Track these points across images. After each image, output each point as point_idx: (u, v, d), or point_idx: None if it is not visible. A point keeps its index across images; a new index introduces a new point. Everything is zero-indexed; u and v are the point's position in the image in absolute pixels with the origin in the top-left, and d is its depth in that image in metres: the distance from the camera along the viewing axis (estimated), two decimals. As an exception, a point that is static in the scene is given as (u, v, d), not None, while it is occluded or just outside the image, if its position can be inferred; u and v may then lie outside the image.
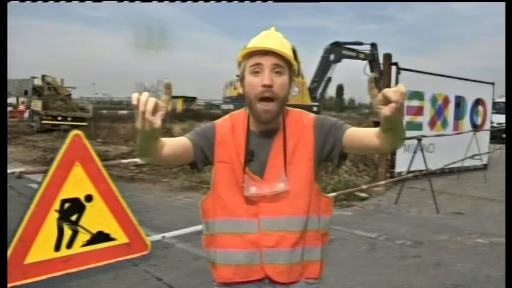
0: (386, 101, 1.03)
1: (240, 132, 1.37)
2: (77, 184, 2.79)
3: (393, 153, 8.21)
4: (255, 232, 1.32)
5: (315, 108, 13.64)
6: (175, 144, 1.33)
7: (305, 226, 1.34)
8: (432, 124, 9.19)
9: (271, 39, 1.31)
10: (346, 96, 59.88)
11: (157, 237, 3.41)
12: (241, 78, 1.34)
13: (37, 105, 19.25)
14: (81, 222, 2.81)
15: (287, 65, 1.30)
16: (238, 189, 1.33)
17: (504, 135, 10.25)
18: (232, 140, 1.36)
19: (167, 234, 3.47)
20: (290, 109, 1.40)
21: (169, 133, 10.82)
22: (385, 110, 1.03)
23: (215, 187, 1.37)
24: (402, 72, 8.24)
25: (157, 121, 1.05)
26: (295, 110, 1.42)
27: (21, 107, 26.08)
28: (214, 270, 1.39)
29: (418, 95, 8.76)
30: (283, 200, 1.32)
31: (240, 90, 1.35)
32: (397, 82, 8.19)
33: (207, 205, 1.39)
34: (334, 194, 5.96)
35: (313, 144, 1.35)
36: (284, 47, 1.30)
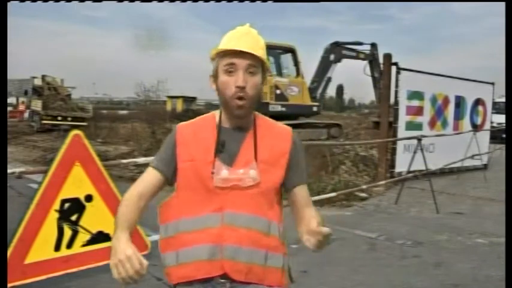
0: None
1: (209, 128, 1.38)
2: (77, 184, 2.79)
3: (393, 153, 8.22)
4: (218, 226, 1.29)
5: (315, 108, 13.56)
6: (149, 191, 1.42)
7: (268, 229, 1.33)
8: (432, 124, 9.19)
9: (246, 39, 1.30)
10: (346, 96, 60.08)
11: (157, 237, 3.39)
12: (215, 75, 1.35)
13: (37, 105, 19.23)
14: (81, 222, 2.81)
15: (260, 64, 1.32)
16: (202, 186, 1.32)
17: (504, 135, 10.26)
18: (194, 138, 1.37)
19: (167, 234, 3.46)
20: (260, 115, 1.42)
21: (169, 133, 10.76)
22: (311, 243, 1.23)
23: (178, 188, 1.38)
24: (402, 72, 8.24)
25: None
26: (264, 116, 1.44)
27: (21, 107, 26.05)
28: (173, 272, 1.35)
29: (418, 95, 8.76)
30: (250, 197, 1.30)
31: (213, 87, 1.36)
32: (397, 82, 8.21)
33: (168, 208, 1.40)
34: (334, 194, 5.97)
35: (288, 158, 1.37)
36: (259, 47, 1.31)
